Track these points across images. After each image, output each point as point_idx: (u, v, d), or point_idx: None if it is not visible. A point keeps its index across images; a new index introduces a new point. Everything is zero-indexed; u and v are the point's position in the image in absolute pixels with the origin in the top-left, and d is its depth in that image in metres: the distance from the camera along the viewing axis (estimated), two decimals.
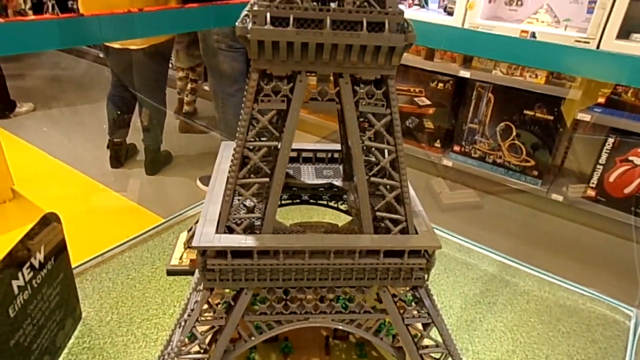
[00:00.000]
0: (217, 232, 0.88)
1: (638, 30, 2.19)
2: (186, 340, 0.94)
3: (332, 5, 0.89)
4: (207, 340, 0.96)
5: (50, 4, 4.53)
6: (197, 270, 1.11)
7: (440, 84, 2.83)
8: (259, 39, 0.75)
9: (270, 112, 0.84)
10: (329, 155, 1.23)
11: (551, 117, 2.53)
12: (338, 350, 1.12)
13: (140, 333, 1.20)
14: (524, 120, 2.62)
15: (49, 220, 1.12)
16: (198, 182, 2.85)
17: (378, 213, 0.91)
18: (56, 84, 4.26)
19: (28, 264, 1.03)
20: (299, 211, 1.53)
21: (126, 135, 3.00)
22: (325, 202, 1.27)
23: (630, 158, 2.41)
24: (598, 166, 2.48)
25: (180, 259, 1.40)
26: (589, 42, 2.25)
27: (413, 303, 0.97)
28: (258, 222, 0.93)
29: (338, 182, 1.16)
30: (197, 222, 1.35)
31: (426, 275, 0.94)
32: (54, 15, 4.54)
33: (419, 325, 0.98)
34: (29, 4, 4.58)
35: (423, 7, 2.82)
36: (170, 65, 3.77)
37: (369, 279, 0.92)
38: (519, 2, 2.63)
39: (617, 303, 1.38)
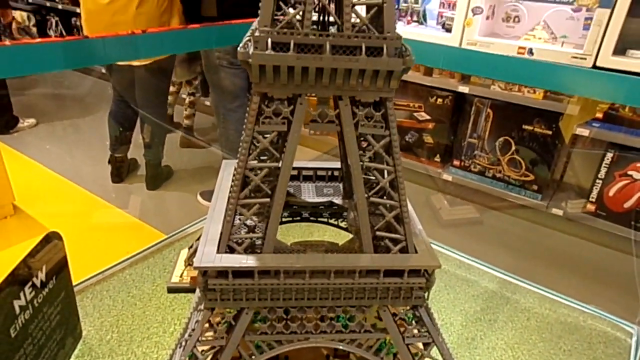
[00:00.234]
0: (218, 251, 0.89)
1: (634, 47, 2.23)
2: None
3: (332, 29, 0.92)
4: None
5: (54, 21, 4.60)
6: (197, 290, 1.12)
7: (439, 99, 2.86)
8: (260, 63, 0.76)
9: (271, 133, 0.85)
10: (329, 173, 1.24)
11: (550, 132, 2.55)
12: None
13: (141, 352, 1.19)
14: (522, 135, 2.64)
15: (50, 238, 1.13)
16: (199, 197, 2.86)
17: (378, 232, 0.91)
18: (59, 100, 4.30)
19: (30, 283, 1.03)
20: (299, 228, 1.53)
21: (127, 150, 3.02)
22: (325, 220, 1.28)
23: (630, 172, 2.42)
24: (597, 181, 2.49)
25: (181, 276, 1.40)
26: (585, 59, 2.28)
27: (413, 322, 0.97)
28: (259, 242, 0.93)
29: (338, 200, 1.17)
30: (198, 239, 1.36)
31: (426, 294, 0.94)
32: (57, 32, 4.60)
33: (420, 344, 0.98)
34: (33, 21, 4.65)
35: (421, 24, 2.86)
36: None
37: (369, 298, 0.92)
38: (516, 19, 2.67)
39: (618, 320, 1.38)
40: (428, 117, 2.93)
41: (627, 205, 2.45)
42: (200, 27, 1.37)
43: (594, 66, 2.25)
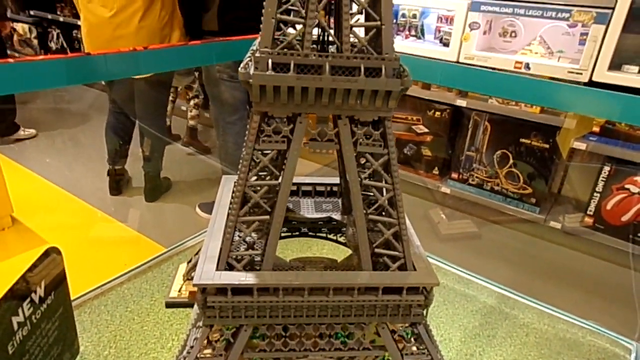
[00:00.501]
0: (217, 268, 0.89)
1: (629, 62, 2.26)
2: None
3: (331, 48, 0.93)
4: None
5: (55, 33, 4.64)
6: (196, 306, 1.12)
7: (437, 113, 2.89)
8: (261, 83, 0.77)
9: (271, 151, 0.86)
10: (328, 188, 1.25)
11: (547, 146, 2.57)
12: None
13: None
14: (520, 149, 2.65)
15: (49, 253, 1.13)
16: (197, 209, 2.86)
17: (376, 249, 0.92)
18: (60, 112, 4.32)
19: (29, 299, 1.03)
20: (298, 242, 1.54)
21: (125, 163, 3.03)
22: (324, 235, 1.29)
23: (627, 186, 2.44)
24: (595, 194, 2.51)
25: (179, 291, 1.40)
26: (581, 73, 2.31)
27: (412, 339, 0.97)
28: (258, 258, 0.94)
29: (337, 216, 1.18)
30: (197, 253, 1.37)
31: (425, 312, 0.95)
32: (58, 45, 4.64)
33: None
34: (34, 33, 4.69)
35: (419, 38, 2.90)
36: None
37: (367, 315, 0.92)
38: (513, 34, 2.71)
39: (617, 336, 1.38)
40: (426, 130, 2.95)
41: (624, 218, 2.46)
42: (201, 44, 1.38)
43: (590, 81, 2.28)
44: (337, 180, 1.22)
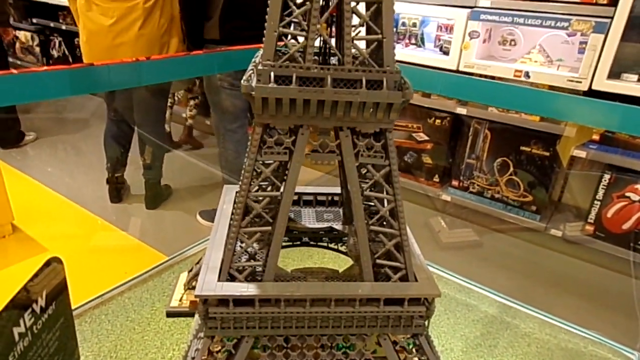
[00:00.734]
0: (219, 279, 0.89)
1: (629, 70, 2.27)
2: None
3: (333, 59, 0.94)
4: None
5: (57, 41, 4.66)
6: (197, 316, 1.11)
7: (438, 120, 2.89)
8: (263, 96, 0.78)
9: (273, 162, 0.86)
10: (329, 198, 1.25)
11: (547, 154, 2.58)
12: None
13: None
14: (520, 157, 2.66)
15: (50, 262, 1.13)
16: (198, 217, 2.86)
17: (378, 261, 0.92)
18: (61, 119, 4.32)
19: (30, 309, 1.03)
20: (299, 251, 1.54)
21: (125, 170, 3.03)
22: (325, 244, 1.29)
23: (627, 194, 2.44)
24: (595, 202, 2.51)
25: (180, 300, 1.39)
26: (581, 82, 2.32)
27: (414, 350, 0.97)
28: (260, 269, 0.94)
29: (338, 226, 1.18)
30: (197, 262, 1.37)
31: (426, 323, 0.94)
32: (60, 52, 4.66)
33: None
34: (36, 41, 4.71)
35: (420, 46, 2.91)
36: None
37: (369, 326, 0.92)
38: (512, 42, 2.72)
39: (619, 346, 1.37)
40: (427, 138, 2.96)
41: (625, 226, 2.46)
42: (203, 54, 1.39)
43: (590, 89, 2.29)
44: (338, 190, 1.22)
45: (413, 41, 2.92)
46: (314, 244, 1.29)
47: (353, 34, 0.80)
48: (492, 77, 2.66)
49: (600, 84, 2.26)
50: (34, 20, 4.78)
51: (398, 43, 2.91)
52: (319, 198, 1.25)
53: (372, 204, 0.92)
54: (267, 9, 0.77)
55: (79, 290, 1.39)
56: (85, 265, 2.26)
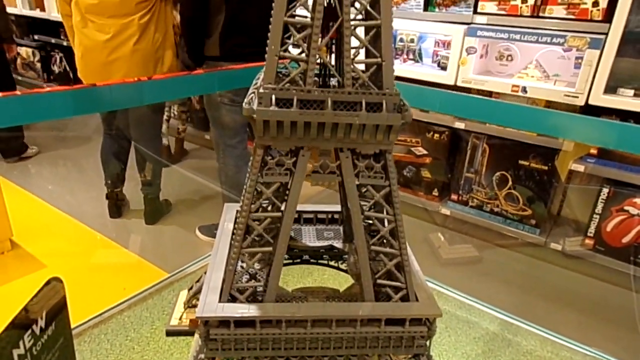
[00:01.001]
0: (220, 300, 0.89)
1: (624, 85, 2.29)
2: None
3: (333, 80, 0.95)
4: None
5: (58, 57, 4.70)
6: (197, 335, 1.11)
7: (436, 135, 2.91)
8: (264, 119, 0.79)
9: (274, 184, 0.87)
10: (330, 216, 1.25)
11: (545, 168, 2.59)
12: None
13: None
14: (519, 171, 2.67)
15: (51, 282, 1.12)
16: (197, 232, 2.86)
17: (379, 280, 0.92)
18: (62, 134, 4.33)
19: (30, 330, 1.02)
20: (299, 268, 1.54)
21: (123, 185, 3.03)
22: (325, 262, 1.29)
23: (626, 208, 2.44)
24: (595, 216, 2.51)
25: (180, 319, 1.38)
26: (577, 97, 2.35)
27: None
28: (260, 289, 0.94)
29: (338, 244, 1.18)
30: (198, 280, 1.36)
31: (428, 343, 0.94)
32: (61, 68, 4.70)
33: None
34: (37, 57, 4.76)
35: (417, 62, 2.95)
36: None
37: (370, 347, 0.92)
38: (509, 58, 2.75)
39: None
40: (425, 152, 2.97)
41: (625, 240, 2.46)
42: (204, 73, 1.41)
43: (586, 104, 2.31)
44: (338, 207, 1.22)
45: (411, 57, 2.95)
46: (315, 262, 1.29)
47: (352, 54, 0.81)
48: (490, 92, 2.69)
49: (596, 98, 2.29)
50: (36, 37, 4.83)
51: (396, 58, 2.95)
52: (319, 216, 1.25)
53: (372, 222, 0.92)
54: (269, 27, 0.78)
55: (78, 308, 1.38)
56: (84, 282, 2.25)
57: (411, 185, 3.05)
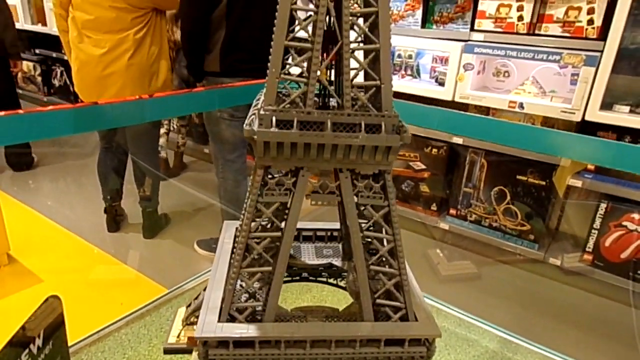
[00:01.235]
0: (219, 320, 0.89)
1: (620, 101, 2.32)
2: None
3: (332, 101, 0.96)
4: None
5: (59, 71, 4.74)
6: (195, 354, 1.10)
7: (435, 150, 2.93)
8: (265, 140, 0.80)
9: (274, 204, 0.87)
10: (329, 234, 1.25)
11: (543, 183, 2.60)
12: None
13: None
14: (517, 188, 2.68)
15: (49, 300, 1.12)
16: (196, 246, 2.85)
17: (378, 300, 0.92)
18: (62, 148, 4.34)
19: (27, 350, 1.01)
20: (298, 285, 1.53)
21: (121, 199, 3.03)
22: (324, 280, 1.29)
23: (624, 223, 2.45)
24: (593, 231, 2.52)
25: (178, 336, 1.38)
26: (574, 113, 2.37)
27: None
28: (260, 308, 0.94)
29: (338, 262, 1.18)
30: (196, 297, 1.36)
31: None
32: (62, 82, 4.73)
33: None
34: (38, 71, 4.79)
35: (415, 77, 2.98)
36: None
37: None
38: (506, 74, 2.79)
39: None
40: (424, 167, 2.99)
41: (623, 255, 2.46)
42: (204, 90, 1.43)
43: (583, 120, 2.34)
44: (337, 225, 1.23)
45: (409, 72, 2.99)
46: (314, 280, 1.29)
47: (352, 77, 0.83)
48: (488, 108, 2.71)
49: (593, 115, 2.31)
50: (37, 51, 4.87)
51: (394, 74, 2.98)
52: (319, 233, 1.25)
53: (372, 242, 0.93)
54: (269, 43, 0.79)
55: (76, 325, 1.37)
56: (82, 297, 2.24)
57: (410, 200, 3.05)
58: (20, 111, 1.04)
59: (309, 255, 1.21)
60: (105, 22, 2.38)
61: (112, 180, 2.91)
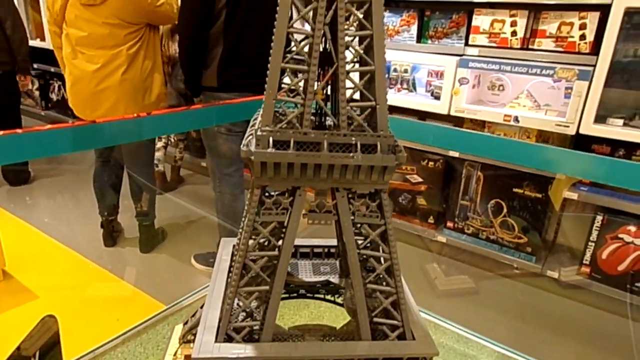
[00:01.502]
0: (216, 340, 0.89)
1: (613, 115, 2.35)
2: None
3: (328, 120, 0.98)
4: None
5: (57, 85, 4.76)
6: None
7: (431, 163, 2.95)
8: (262, 160, 0.81)
9: (271, 223, 0.88)
10: (326, 250, 1.26)
11: (540, 195, 2.61)
12: None
13: None
14: (513, 201, 2.69)
15: (45, 319, 1.11)
16: (193, 261, 2.84)
17: (375, 319, 0.92)
18: (59, 166, 4.33)
19: None
20: (295, 301, 1.52)
21: (118, 213, 3.02)
22: (322, 296, 1.29)
23: (620, 235, 2.46)
24: (590, 243, 2.52)
25: (175, 354, 1.37)
26: (568, 126, 2.40)
27: None
28: (257, 327, 0.93)
29: (335, 279, 1.18)
30: (193, 315, 1.35)
31: None
32: (59, 96, 4.74)
33: None
34: (36, 85, 4.80)
35: (411, 91, 3.00)
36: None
37: None
38: (501, 87, 2.82)
39: None
40: (421, 180, 3.00)
41: (620, 268, 2.46)
42: (202, 107, 1.44)
43: (577, 133, 2.36)
44: (334, 242, 1.23)
45: (405, 86, 3.01)
46: (311, 296, 1.29)
47: (348, 98, 0.84)
48: (483, 122, 2.74)
49: (587, 128, 2.33)
50: (35, 65, 4.89)
51: (390, 88, 3.00)
52: (316, 250, 1.26)
53: (369, 261, 0.93)
54: (266, 58, 0.80)
55: (72, 342, 1.36)
56: (78, 314, 2.22)
57: (407, 213, 3.06)
58: (19, 130, 1.05)
59: (306, 272, 1.21)
60: (99, 39, 2.40)
61: (109, 195, 2.91)
